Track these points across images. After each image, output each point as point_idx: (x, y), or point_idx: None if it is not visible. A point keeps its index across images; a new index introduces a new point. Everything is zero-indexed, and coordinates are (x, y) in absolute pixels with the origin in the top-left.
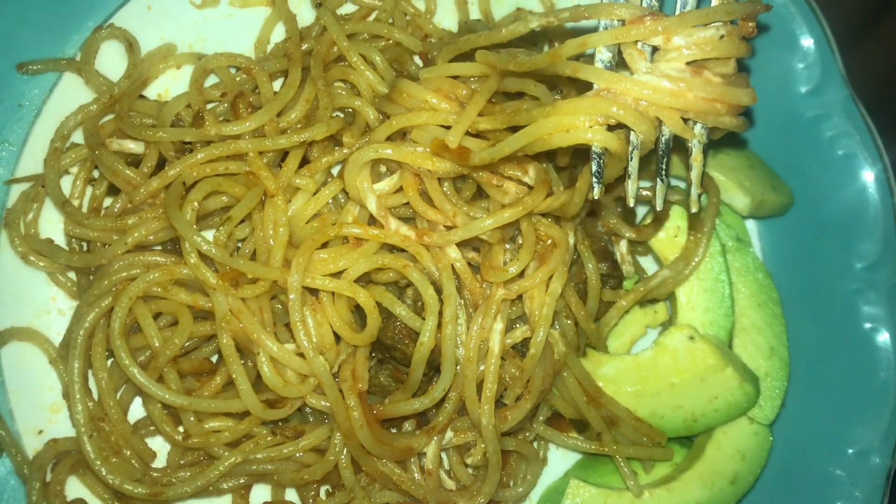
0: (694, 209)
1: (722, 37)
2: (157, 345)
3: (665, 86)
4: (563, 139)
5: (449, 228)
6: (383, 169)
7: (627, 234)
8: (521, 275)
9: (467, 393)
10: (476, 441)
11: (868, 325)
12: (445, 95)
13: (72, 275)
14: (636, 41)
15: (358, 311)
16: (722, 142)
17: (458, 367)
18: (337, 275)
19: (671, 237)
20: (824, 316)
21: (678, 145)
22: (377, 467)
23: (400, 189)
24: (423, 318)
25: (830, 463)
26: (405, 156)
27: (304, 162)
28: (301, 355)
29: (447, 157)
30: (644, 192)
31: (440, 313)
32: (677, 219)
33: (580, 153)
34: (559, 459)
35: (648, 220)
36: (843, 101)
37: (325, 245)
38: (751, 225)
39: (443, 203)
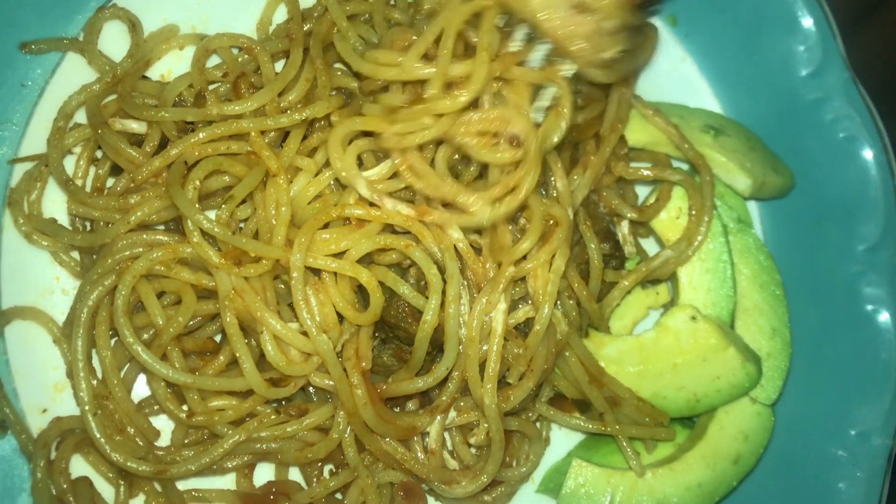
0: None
1: None
2: (160, 323)
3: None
4: None
5: (447, 207)
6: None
7: (629, 215)
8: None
9: (470, 372)
10: (479, 421)
11: (869, 307)
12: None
13: (75, 254)
14: None
15: (361, 291)
16: (723, 124)
17: (461, 347)
18: (339, 255)
19: (672, 218)
20: (826, 298)
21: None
22: (380, 446)
23: (395, 174)
24: (427, 297)
25: (832, 444)
26: (374, 123)
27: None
28: (304, 334)
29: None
30: (644, 173)
31: (443, 292)
32: (679, 199)
33: None
34: (562, 440)
35: (651, 201)
36: (843, 83)
37: (327, 226)
38: (752, 207)
39: (438, 183)
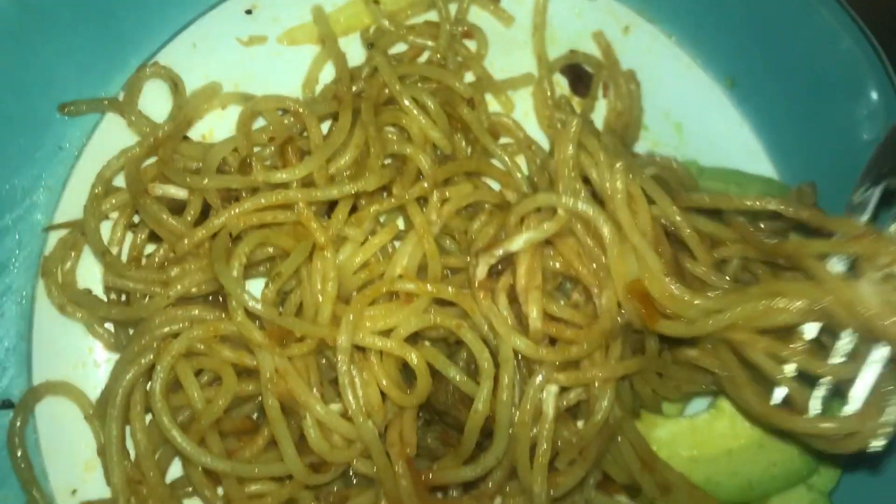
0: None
1: None
2: (199, 407)
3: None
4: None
5: None
6: None
7: None
8: None
9: (519, 458)
10: None
11: None
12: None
13: (110, 326)
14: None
15: (405, 368)
16: (782, 192)
17: (510, 431)
18: (386, 332)
19: None
20: None
21: None
22: None
23: None
24: (477, 383)
25: None
26: None
27: (352, 210)
28: (348, 418)
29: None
30: None
31: (495, 377)
32: None
33: None
34: None
35: None
36: None
37: (372, 302)
38: None
39: None
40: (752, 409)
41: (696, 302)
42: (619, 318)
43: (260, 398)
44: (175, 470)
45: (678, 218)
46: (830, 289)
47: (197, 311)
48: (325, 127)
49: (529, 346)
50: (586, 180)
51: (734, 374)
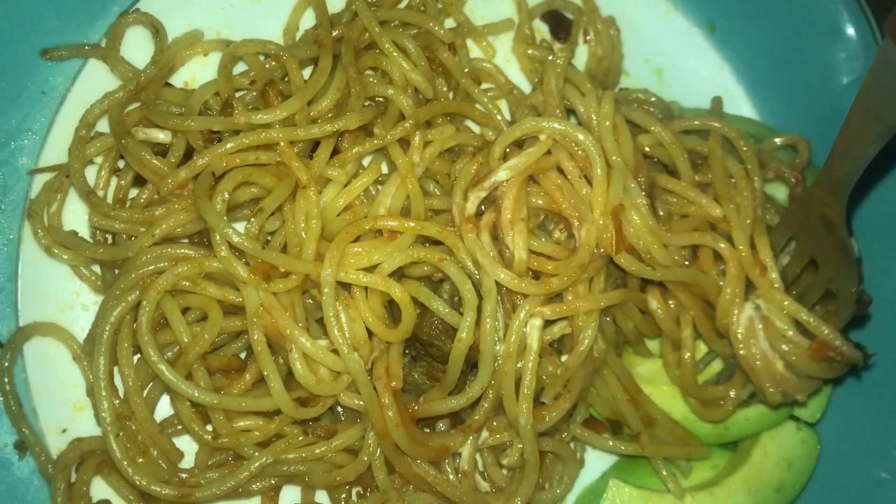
0: None
1: None
2: (185, 341)
3: None
4: None
5: None
6: None
7: None
8: None
9: (505, 390)
10: (512, 441)
11: None
12: None
13: (96, 268)
14: None
15: (391, 307)
16: (762, 132)
17: (496, 364)
18: (370, 269)
19: None
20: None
21: None
22: (411, 468)
23: None
24: (461, 314)
25: (876, 466)
26: None
27: (335, 152)
28: (334, 352)
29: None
30: None
31: (479, 309)
32: None
33: None
34: (595, 461)
35: None
36: None
37: (357, 238)
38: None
39: None
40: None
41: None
42: (597, 251)
43: (247, 337)
44: (165, 411)
45: (670, 139)
46: None
47: (182, 250)
48: (307, 74)
49: (513, 278)
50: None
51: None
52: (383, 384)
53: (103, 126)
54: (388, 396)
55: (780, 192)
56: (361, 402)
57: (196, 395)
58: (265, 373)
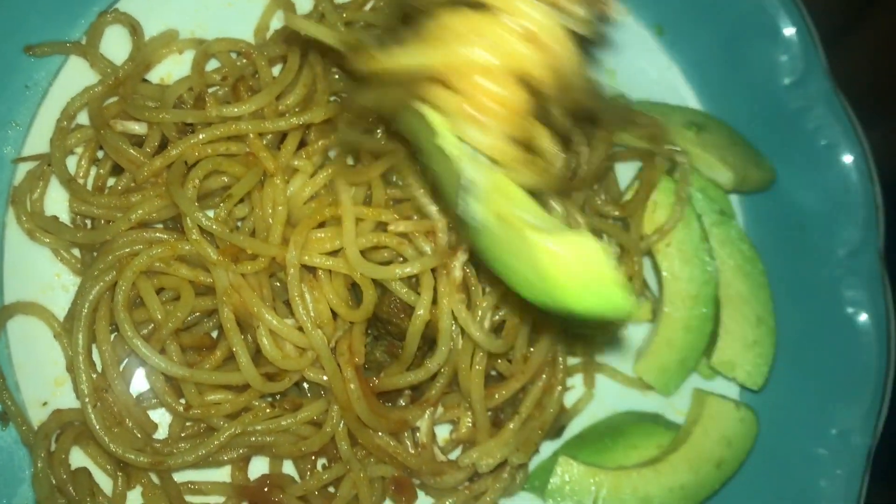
0: None
1: None
2: (159, 317)
3: None
4: None
5: None
6: None
7: (614, 213)
8: None
9: (461, 364)
10: (460, 418)
11: (850, 310)
12: None
13: (76, 252)
14: None
15: (354, 289)
16: (704, 121)
17: (452, 343)
18: (334, 253)
19: (650, 213)
20: (807, 300)
21: None
22: (373, 440)
23: None
24: (419, 293)
25: (814, 443)
26: None
27: (302, 144)
28: (300, 329)
29: None
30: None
31: (435, 288)
32: (656, 194)
33: None
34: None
35: (629, 197)
36: (825, 92)
37: (321, 225)
38: (735, 210)
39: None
40: None
41: None
42: None
43: (218, 317)
44: (141, 387)
45: None
46: None
47: (156, 234)
48: (277, 71)
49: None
50: None
51: None
52: (346, 360)
53: (84, 119)
54: (350, 371)
55: (722, 177)
56: (325, 378)
57: (169, 368)
58: (234, 349)
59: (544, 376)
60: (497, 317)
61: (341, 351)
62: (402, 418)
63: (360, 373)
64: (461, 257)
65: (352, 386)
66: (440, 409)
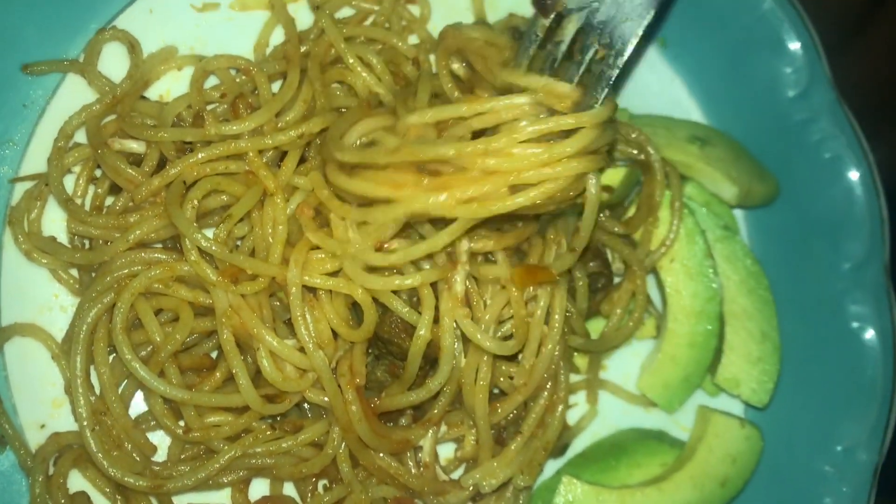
0: None
1: None
2: (158, 340)
3: None
4: None
5: None
6: None
7: (615, 229)
8: None
9: (465, 381)
10: (465, 436)
11: (855, 324)
12: None
13: (74, 272)
14: None
15: (355, 308)
16: (708, 134)
17: (454, 362)
18: (334, 273)
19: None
20: (812, 315)
21: None
22: (374, 461)
23: None
24: (420, 313)
25: (819, 459)
26: None
27: (302, 161)
28: (300, 350)
29: None
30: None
31: (436, 307)
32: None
33: None
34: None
35: (631, 213)
36: (829, 104)
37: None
38: (739, 224)
39: None
40: None
41: None
42: None
43: (217, 338)
44: (140, 409)
45: None
46: None
47: (155, 254)
48: (276, 88)
49: None
50: None
51: None
52: (347, 381)
53: (81, 137)
54: (352, 393)
55: (726, 192)
56: (326, 399)
57: (168, 391)
58: (234, 370)
59: (546, 393)
60: (500, 332)
61: (342, 372)
62: (404, 438)
63: (361, 393)
64: (462, 271)
65: (353, 407)
66: (443, 428)
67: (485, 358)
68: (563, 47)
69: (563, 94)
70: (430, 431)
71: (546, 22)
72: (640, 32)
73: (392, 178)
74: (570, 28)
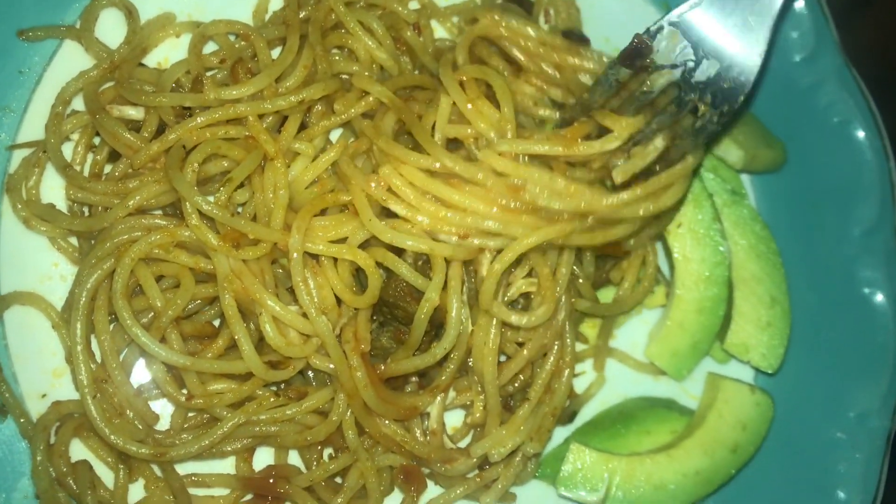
0: None
1: None
2: (159, 305)
3: None
4: None
5: None
6: None
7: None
8: None
9: (475, 344)
10: (473, 401)
11: (866, 290)
12: None
13: (74, 241)
14: None
15: (358, 275)
16: None
17: (461, 327)
18: (337, 241)
19: None
20: (822, 281)
21: None
22: (380, 429)
23: None
24: (426, 277)
25: (831, 426)
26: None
27: (302, 128)
28: (304, 315)
29: None
30: None
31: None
32: None
33: None
34: (559, 429)
35: None
36: (837, 68)
37: (324, 212)
38: (747, 191)
39: None
40: None
41: None
42: None
43: (220, 305)
44: (142, 378)
45: None
46: None
47: (155, 220)
48: (276, 54)
49: None
50: None
51: None
52: (352, 347)
53: (79, 104)
54: (357, 359)
55: (731, 155)
56: (332, 365)
57: (169, 356)
58: (236, 336)
59: (552, 358)
60: (506, 297)
61: (346, 338)
62: (411, 405)
63: (366, 360)
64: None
65: (358, 374)
66: (452, 394)
67: (493, 322)
68: (650, 97)
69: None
70: (438, 398)
71: (629, 72)
72: (742, 99)
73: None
74: (660, 82)
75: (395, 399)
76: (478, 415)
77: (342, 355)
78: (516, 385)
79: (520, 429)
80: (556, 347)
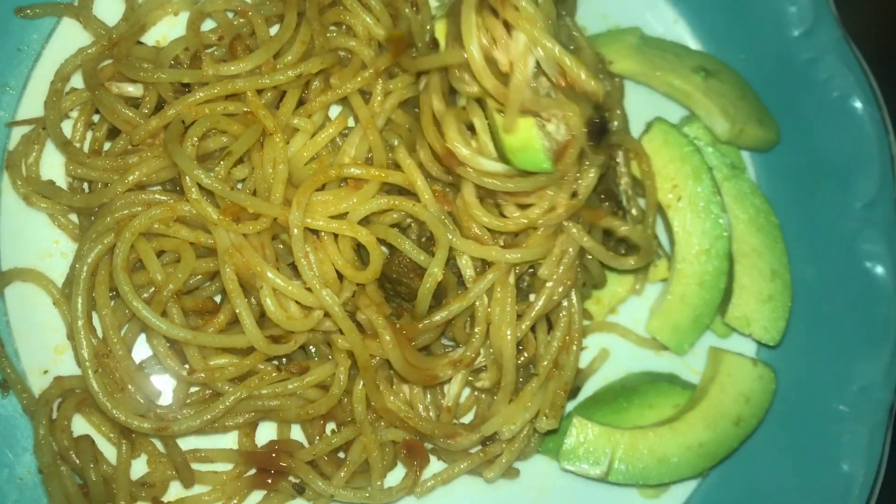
0: None
1: None
2: (159, 279)
3: None
4: None
5: None
6: None
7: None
8: None
9: (494, 316)
10: (487, 365)
11: (867, 263)
12: None
13: (74, 218)
14: None
15: (360, 251)
16: (718, 68)
17: (478, 302)
18: (338, 217)
19: None
20: (824, 255)
21: None
22: (385, 404)
23: None
24: (429, 254)
25: (834, 399)
26: None
27: (301, 104)
28: (307, 289)
29: None
30: None
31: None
32: None
33: None
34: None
35: None
36: (835, 42)
37: (323, 187)
38: (748, 167)
39: None
40: None
41: None
42: None
43: (221, 281)
44: (143, 354)
45: None
46: None
47: (155, 195)
48: (274, 31)
49: None
50: None
51: None
52: (375, 311)
53: (78, 82)
54: (382, 320)
55: (718, 126)
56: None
57: (170, 330)
58: (237, 310)
59: (559, 333)
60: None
61: (365, 304)
62: (433, 373)
63: (390, 321)
64: None
65: (386, 336)
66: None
67: (509, 297)
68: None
69: None
70: (460, 375)
71: None
72: None
73: None
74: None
75: (421, 362)
76: (488, 382)
77: (353, 326)
78: (521, 360)
79: (528, 405)
80: (563, 315)
